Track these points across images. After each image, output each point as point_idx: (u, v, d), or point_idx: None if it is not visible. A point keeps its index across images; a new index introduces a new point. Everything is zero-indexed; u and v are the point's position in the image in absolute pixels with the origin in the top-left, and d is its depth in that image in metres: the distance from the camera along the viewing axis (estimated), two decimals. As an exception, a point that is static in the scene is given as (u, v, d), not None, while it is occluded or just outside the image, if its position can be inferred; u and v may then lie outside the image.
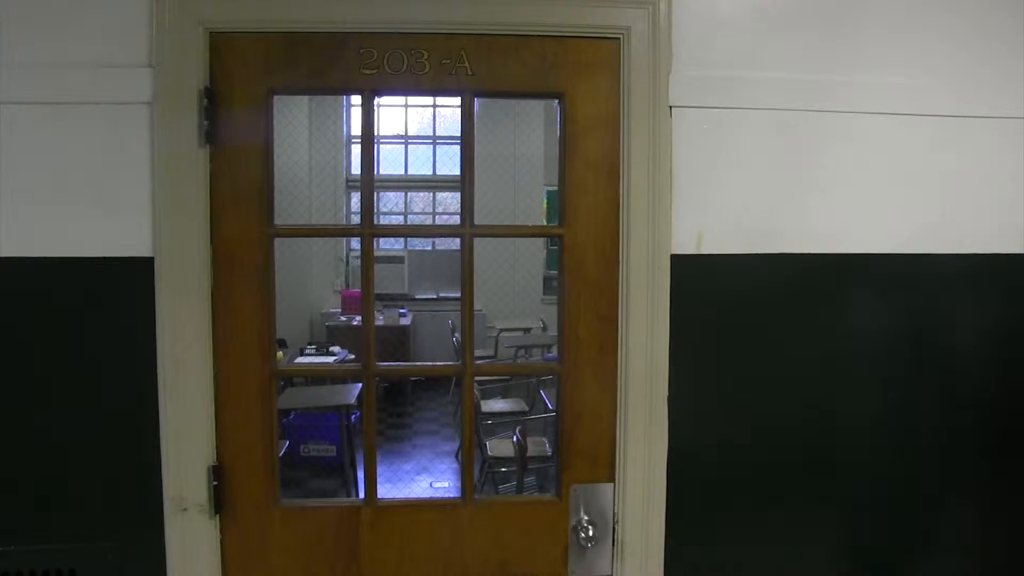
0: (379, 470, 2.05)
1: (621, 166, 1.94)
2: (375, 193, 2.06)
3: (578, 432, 2.00)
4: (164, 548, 1.90)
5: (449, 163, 9.01)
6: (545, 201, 8.60)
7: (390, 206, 9.14)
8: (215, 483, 1.92)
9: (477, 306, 7.02)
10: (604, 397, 1.98)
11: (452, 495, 4.97)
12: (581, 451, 1.99)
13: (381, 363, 2.12)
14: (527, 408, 5.54)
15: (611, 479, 1.98)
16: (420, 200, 9.25)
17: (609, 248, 1.95)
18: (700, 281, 1.95)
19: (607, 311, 1.96)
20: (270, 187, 1.93)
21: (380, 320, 7.04)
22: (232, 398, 1.94)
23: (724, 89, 1.94)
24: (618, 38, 1.92)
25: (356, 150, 8.57)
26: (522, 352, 7.03)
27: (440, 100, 8.68)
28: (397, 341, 7.31)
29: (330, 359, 6.09)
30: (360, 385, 4.49)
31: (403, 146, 9.04)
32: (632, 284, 1.93)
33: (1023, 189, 2.04)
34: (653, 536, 1.97)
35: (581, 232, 1.96)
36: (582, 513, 1.97)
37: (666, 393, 1.94)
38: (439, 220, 9.33)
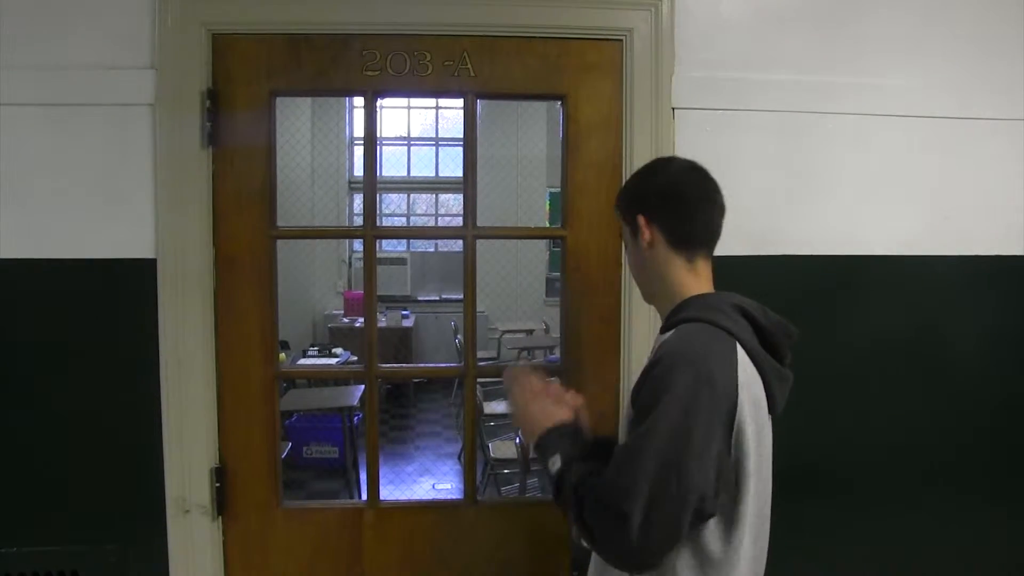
0: (381, 472, 2.05)
1: (624, 168, 1.93)
2: (377, 195, 2.06)
3: (580, 434, 1.99)
4: (166, 550, 1.91)
5: (452, 165, 8.99)
6: (548, 203, 8.59)
7: (393, 208, 9.13)
8: (217, 485, 1.92)
9: (480, 308, 7.02)
10: (606, 398, 1.97)
11: (455, 497, 4.96)
12: (583, 453, 1.99)
13: (383, 364, 2.12)
14: (530, 410, 5.51)
15: (614, 481, 1.97)
16: (423, 202, 9.24)
17: (612, 250, 1.95)
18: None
19: (609, 313, 1.96)
20: (272, 189, 1.94)
21: (382, 322, 7.03)
22: (234, 400, 1.94)
23: (726, 91, 1.94)
24: (620, 40, 1.92)
25: (359, 152, 8.55)
26: (525, 354, 7.02)
27: (443, 102, 8.66)
28: (399, 343, 7.29)
29: (332, 361, 6.07)
30: (363, 387, 4.48)
31: (406, 148, 9.03)
32: (634, 285, 1.92)
33: (1025, 190, 2.04)
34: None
35: (584, 234, 1.96)
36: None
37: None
38: (442, 222, 9.31)
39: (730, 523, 1.22)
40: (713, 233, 1.38)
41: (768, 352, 1.28)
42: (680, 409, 1.17)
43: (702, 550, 1.23)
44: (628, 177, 1.47)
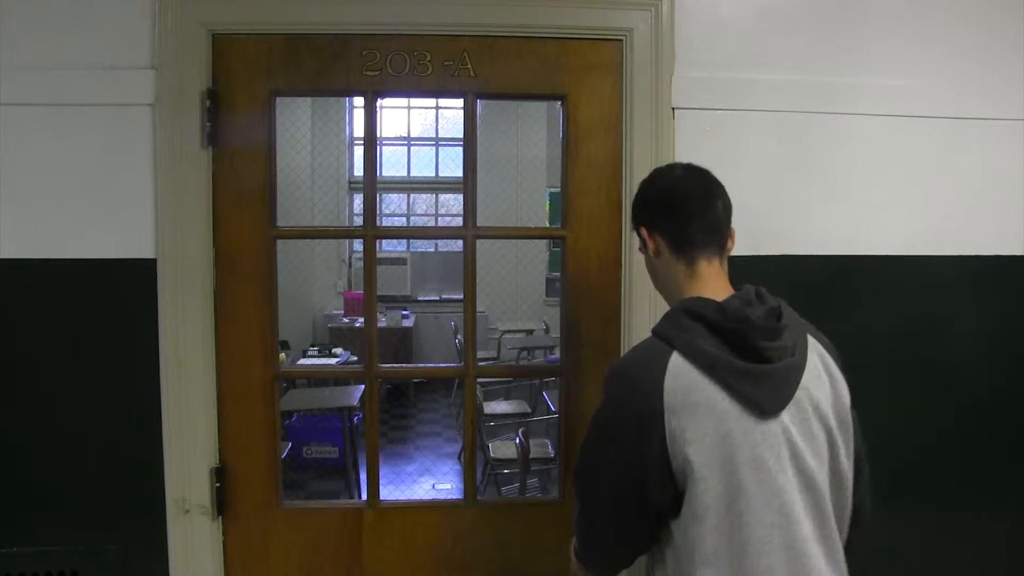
0: (381, 472, 2.05)
1: (624, 168, 1.93)
2: (377, 195, 2.06)
3: (580, 434, 1.98)
4: (167, 549, 1.91)
5: (452, 165, 8.99)
6: (548, 203, 8.60)
7: (392, 208, 9.12)
8: (217, 485, 1.93)
9: (480, 308, 7.02)
10: (607, 399, 1.97)
11: (455, 497, 4.96)
12: (583, 453, 1.99)
13: (383, 364, 2.12)
14: (529, 410, 5.53)
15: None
16: (423, 202, 9.24)
17: (612, 250, 1.95)
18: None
19: (609, 313, 1.96)
20: (272, 189, 1.94)
21: (382, 322, 7.02)
22: (234, 400, 1.94)
23: (726, 91, 1.94)
24: (620, 40, 1.92)
25: (359, 152, 8.55)
26: (524, 354, 7.02)
27: (443, 102, 8.66)
28: (399, 343, 7.29)
29: (332, 361, 6.08)
30: (362, 387, 4.49)
31: (406, 148, 9.03)
32: (635, 285, 1.93)
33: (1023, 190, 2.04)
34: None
35: (584, 234, 1.96)
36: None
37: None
38: (442, 222, 9.31)
39: (684, 525, 1.24)
40: (715, 232, 1.38)
41: (742, 350, 1.24)
42: (599, 422, 1.34)
43: (669, 547, 1.29)
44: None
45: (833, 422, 1.30)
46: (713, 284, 1.36)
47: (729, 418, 1.22)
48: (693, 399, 1.22)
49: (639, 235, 1.43)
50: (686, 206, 1.37)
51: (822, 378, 1.32)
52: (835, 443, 1.30)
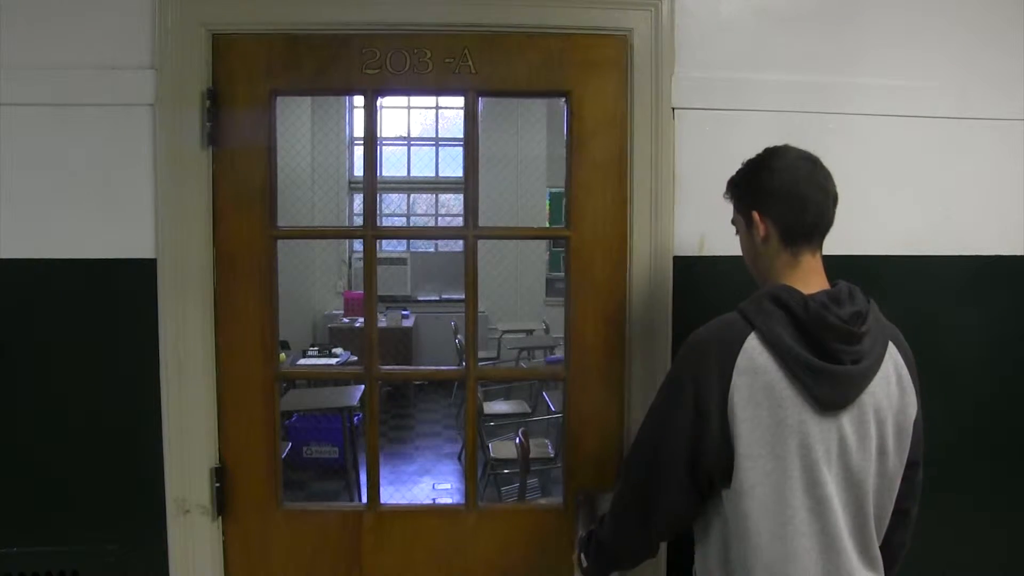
0: (381, 472, 2.04)
1: (627, 167, 1.93)
2: (378, 195, 2.06)
3: (584, 437, 1.98)
4: (166, 550, 1.90)
5: (452, 164, 9.00)
6: (548, 203, 8.60)
7: (393, 208, 9.13)
8: (217, 485, 1.92)
9: (480, 308, 7.01)
10: (611, 401, 1.97)
11: (454, 496, 4.96)
12: (587, 457, 1.98)
13: (384, 366, 2.11)
14: (530, 410, 5.53)
15: (614, 482, 1.96)
16: (423, 202, 9.25)
17: (616, 250, 1.94)
18: (703, 282, 1.95)
19: (614, 314, 1.95)
20: (272, 188, 1.93)
21: (383, 322, 7.02)
22: (234, 400, 1.94)
23: (726, 91, 1.94)
24: (624, 36, 1.91)
25: (359, 152, 8.56)
26: (524, 354, 7.02)
27: (442, 102, 8.67)
28: (400, 343, 7.29)
29: (332, 361, 6.08)
30: (363, 387, 4.49)
31: (406, 147, 9.03)
32: (639, 286, 1.93)
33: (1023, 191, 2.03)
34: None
35: (588, 234, 1.95)
36: (589, 520, 1.95)
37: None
38: (442, 222, 9.32)
39: (734, 496, 1.29)
40: (824, 225, 1.41)
41: (816, 347, 1.28)
42: (669, 385, 1.36)
43: (718, 516, 1.35)
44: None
45: (890, 428, 1.34)
46: (811, 277, 1.38)
47: (788, 406, 1.27)
48: (760, 380, 1.27)
49: (746, 217, 1.43)
50: (806, 198, 1.38)
51: (891, 386, 1.35)
52: (886, 448, 1.34)
